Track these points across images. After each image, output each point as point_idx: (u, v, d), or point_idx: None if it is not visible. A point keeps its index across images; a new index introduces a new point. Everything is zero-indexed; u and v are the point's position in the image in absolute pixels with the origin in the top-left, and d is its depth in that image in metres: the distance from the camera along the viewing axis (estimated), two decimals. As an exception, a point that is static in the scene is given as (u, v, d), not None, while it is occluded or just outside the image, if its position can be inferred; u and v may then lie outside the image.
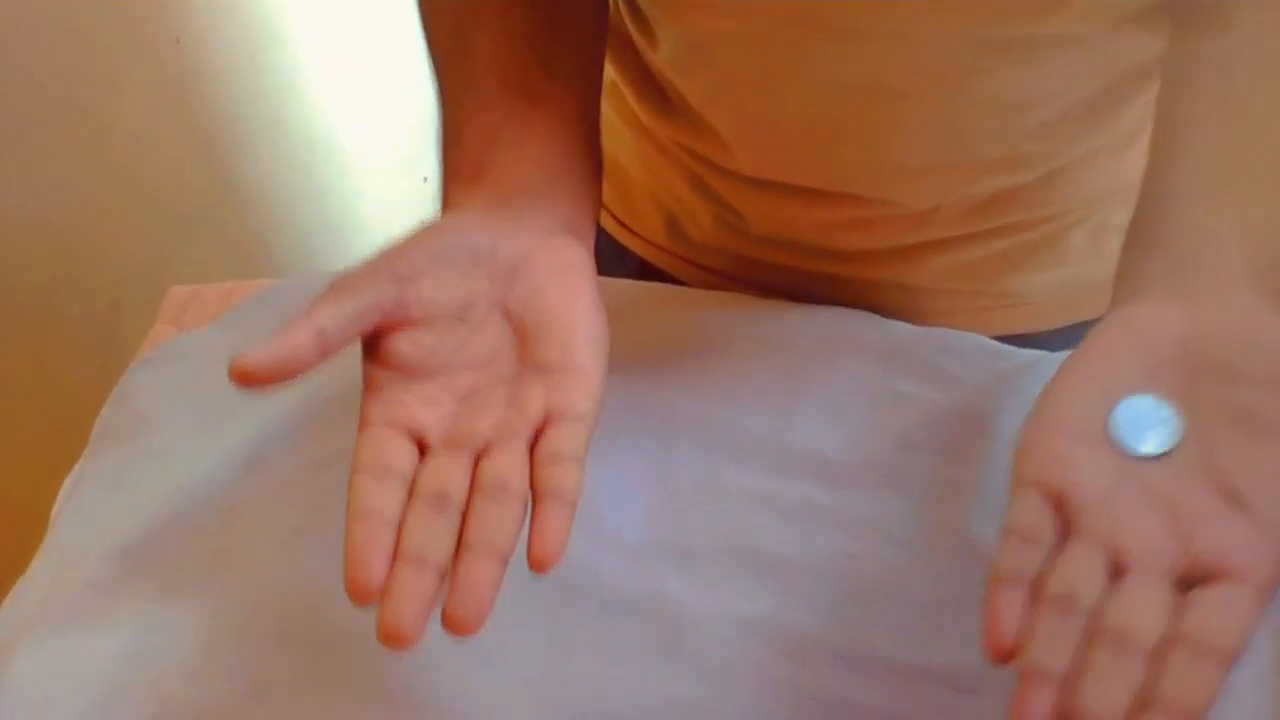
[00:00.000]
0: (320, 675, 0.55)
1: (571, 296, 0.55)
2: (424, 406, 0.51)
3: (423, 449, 0.50)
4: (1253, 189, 0.53)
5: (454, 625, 0.44)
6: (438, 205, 0.61)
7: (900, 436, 0.66)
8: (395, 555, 0.45)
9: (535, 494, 0.48)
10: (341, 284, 0.52)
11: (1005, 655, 0.42)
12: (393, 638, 0.43)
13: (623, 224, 0.90)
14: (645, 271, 0.88)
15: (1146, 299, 0.50)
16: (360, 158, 1.54)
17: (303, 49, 1.40)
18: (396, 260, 0.53)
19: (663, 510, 0.63)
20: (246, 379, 0.47)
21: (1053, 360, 0.70)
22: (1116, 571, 0.43)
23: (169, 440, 0.69)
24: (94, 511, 0.66)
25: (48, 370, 1.23)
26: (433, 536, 0.46)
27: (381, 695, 0.54)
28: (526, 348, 0.53)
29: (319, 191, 1.51)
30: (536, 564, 0.45)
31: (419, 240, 0.55)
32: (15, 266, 1.16)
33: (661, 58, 0.74)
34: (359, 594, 0.44)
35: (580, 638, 0.57)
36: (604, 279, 0.73)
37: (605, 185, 0.69)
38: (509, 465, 0.48)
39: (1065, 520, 0.45)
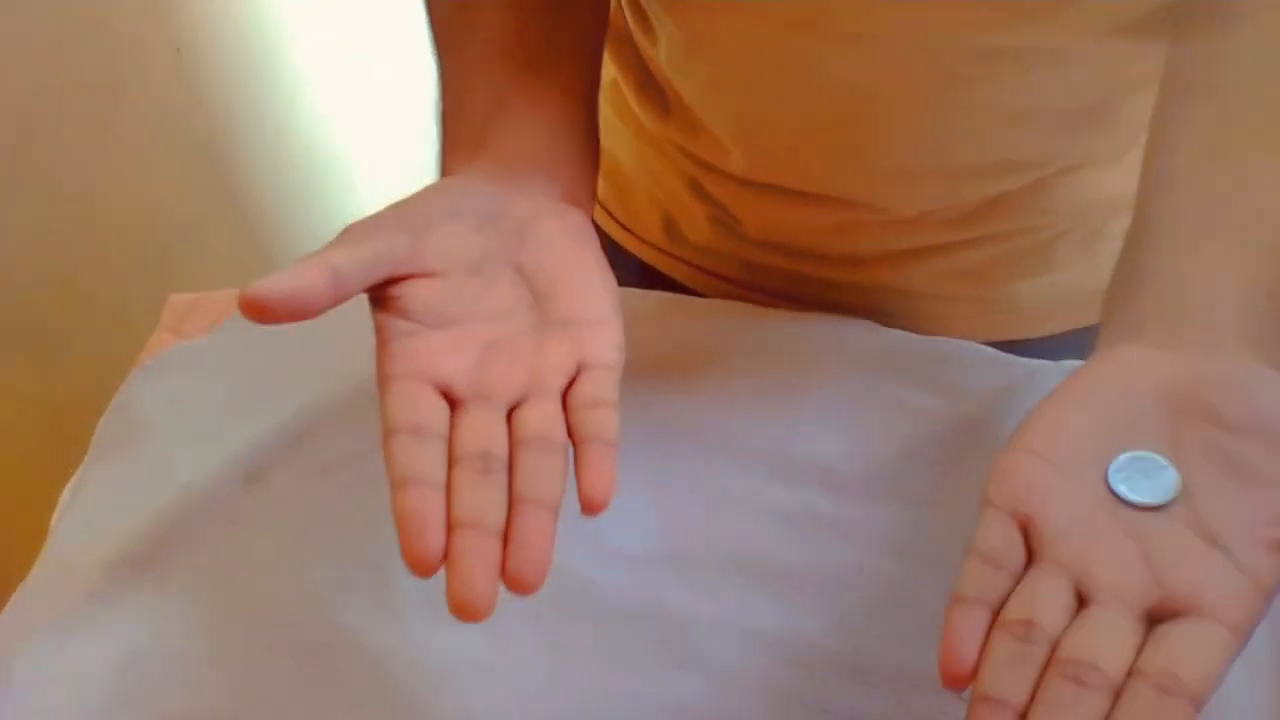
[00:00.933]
0: (320, 684, 0.55)
1: (583, 256, 0.54)
2: (447, 355, 0.48)
3: (451, 401, 0.48)
4: (1242, 231, 0.52)
5: (518, 584, 0.42)
6: (437, 174, 0.60)
7: (902, 445, 0.66)
8: (450, 523, 0.43)
9: (576, 440, 0.47)
10: (355, 230, 0.50)
11: (960, 680, 0.41)
12: (468, 610, 0.41)
13: (622, 225, 0.90)
14: (644, 272, 0.88)
15: (1135, 342, 0.49)
16: (361, 166, 1.55)
17: (304, 58, 1.41)
18: (409, 212, 0.52)
19: (664, 521, 0.63)
20: (257, 311, 0.45)
21: (1052, 370, 0.70)
22: (1082, 602, 0.42)
23: (168, 449, 0.69)
24: (94, 520, 0.66)
25: (48, 377, 1.23)
26: (486, 500, 0.44)
27: (381, 704, 0.54)
28: (544, 303, 0.52)
29: (320, 200, 1.51)
30: (590, 505, 0.44)
31: (429, 196, 0.54)
32: (16, 273, 1.16)
33: (660, 55, 0.74)
34: (420, 565, 0.42)
35: (581, 648, 0.57)
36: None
37: (604, 186, 0.68)
38: (548, 416, 0.47)
39: (1033, 547, 0.44)
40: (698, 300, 0.77)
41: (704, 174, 0.80)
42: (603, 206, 0.90)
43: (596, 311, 0.52)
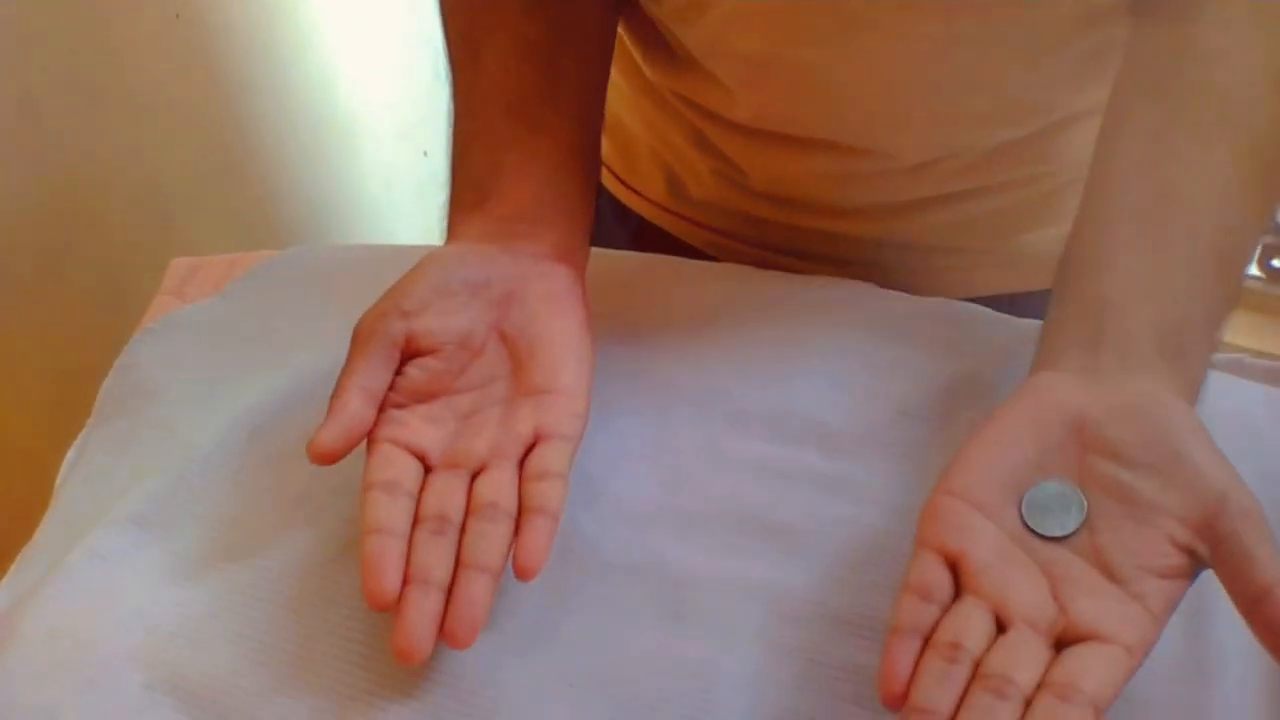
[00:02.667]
0: (323, 638, 0.55)
1: (562, 320, 0.61)
2: (427, 426, 0.58)
3: (425, 466, 0.56)
4: (1170, 250, 0.56)
5: (452, 639, 0.50)
6: (443, 225, 0.67)
7: (900, 404, 0.66)
8: (406, 576, 0.51)
9: (522, 508, 0.54)
10: (362, 333, 0.59)
11: (898, 700, 0.46)
12: (406, 655, 0.50)
13: (624, 183, 0.90)
14: (646, 230, 0.89)
15: (1057, 368, 0.55)
16: (361, 131, 1.54)
17: (302, 23, 1.40)
18: (401, 298, 0.60)
19: (663, 478, 0.63)
20: (325, 458, 0.55)
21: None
22: (1001, 628, 0.48)
23: (172, 410, 0.69)
24: (99, 480, 0.66)
25: (50, 341, 1.23)
26: (436, 558, 0.52)
27: (382, 657, 0.54)
28: (519, 370, 0.60)
29: (319, 164, 1.51)
30: (521, 573, 0.51)
31: (422, 274, 0.61)
32: (17, 239, 1.16)
33: (664, 10, 0.74)
34: (375, 603, 0.50)
35: (579, 602, 0.57)
36: (606, 251, 0.74)
37: (607, 144, 0.71)
38: (500, 484, 0.55)
39: (960, 581, 0.50)
40: (697, 263, 0.78)
41: (708, 124, 0.80)
42: (606, 166, 0.90)
43: (565, 381, 0.59)
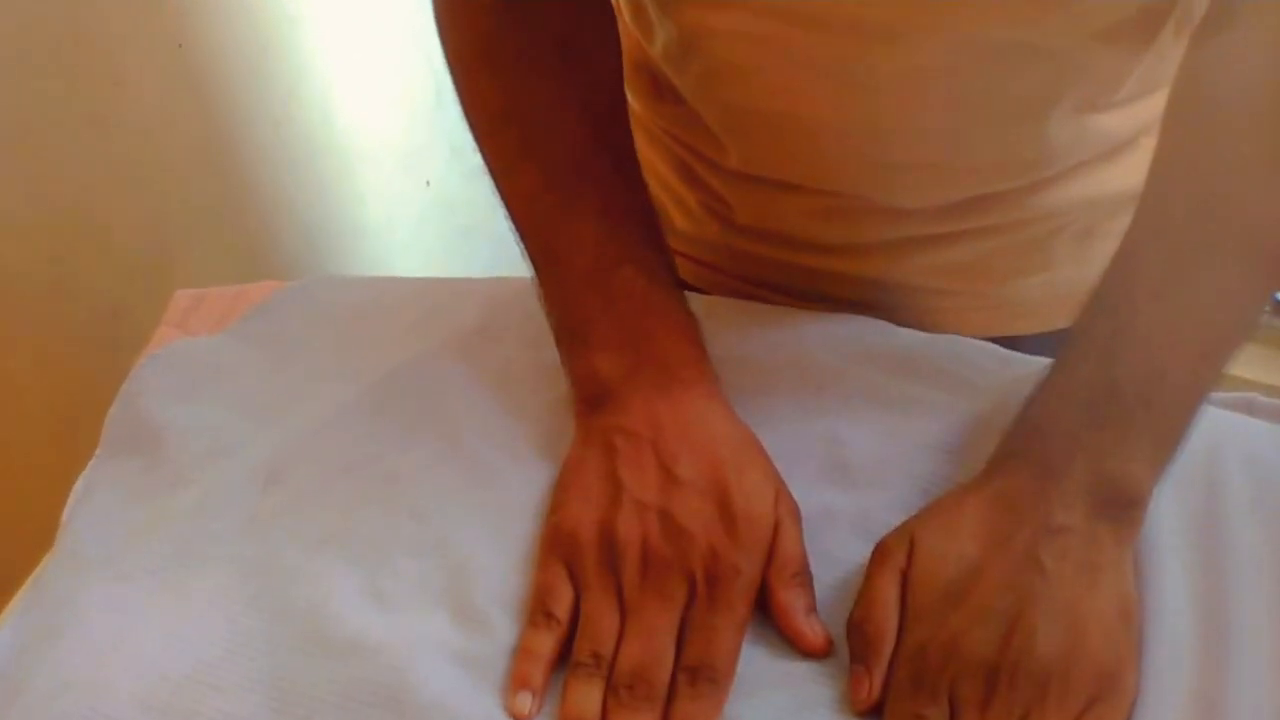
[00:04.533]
0: (341, 683, 0.55)
1: None
2: None
3: None
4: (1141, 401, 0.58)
5: None
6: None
7: (917, 438, 0.66)
8: None
9: None
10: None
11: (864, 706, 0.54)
12: None
13: None
14: None
15: (997, 475, 0.59)
16: (362, 161, 1.54)
17: (304, 54, 1.40)
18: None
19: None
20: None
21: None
22: None
23: (183, 449, 0.68)
24: (109, 522, 0.65)
25: (51, 371, 1.22)
26: None
27: (399, 704, 0.54)
28: None
29: (321, 194, 1.51)
30: None
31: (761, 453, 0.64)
32: (18, 267, 1.15)
33: (656, 50, 0.74)
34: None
35: None
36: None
37: None
38: None
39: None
40: (709, 298, 0.77)
41: (697, 162, 0.80)
42: None
43: None
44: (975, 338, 0.74)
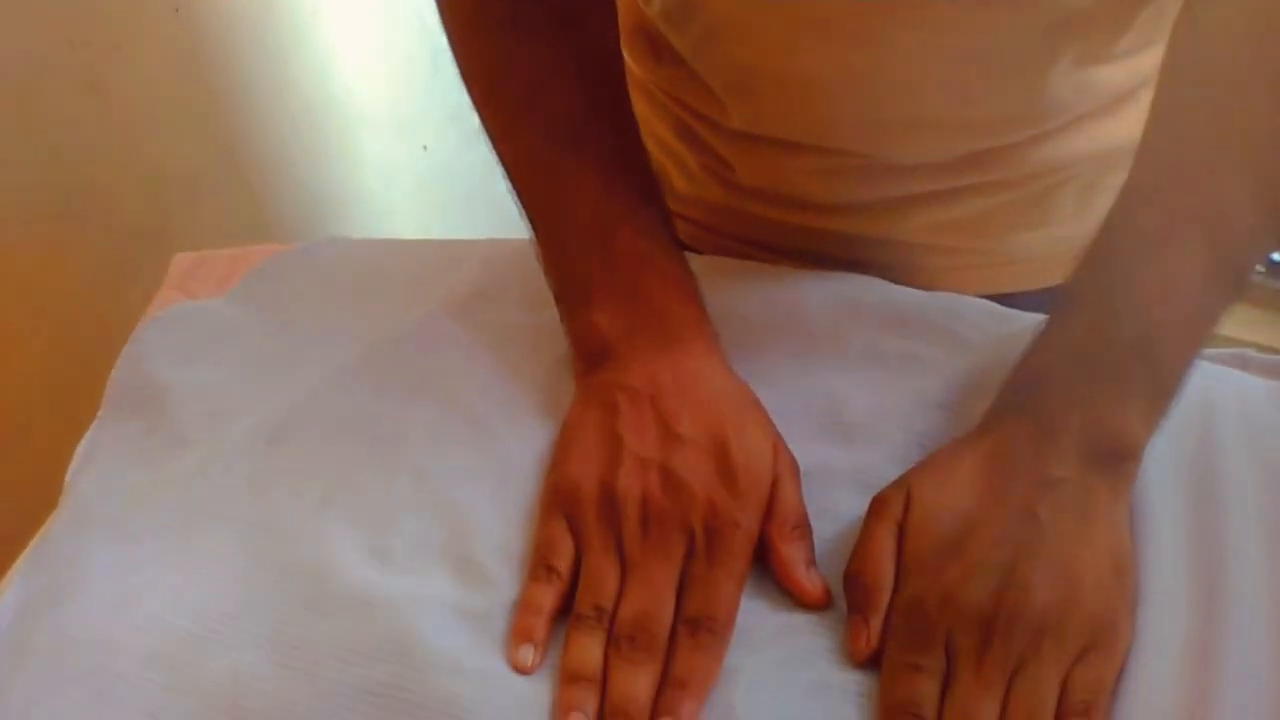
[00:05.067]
0: (345, 638, 0.55)
1: None
2: None
3: None
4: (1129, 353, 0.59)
5: None
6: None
7: (916, 394, 0.67)
8: None
9: None
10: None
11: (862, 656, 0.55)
12: None
13: None
14: None
15: (993, 430, 0.59)
16: (360, 125, 1.54)
17: (302, 17, 1.40)
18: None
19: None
20: None
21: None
22: None
23: (185, 409, 0.69)
24: (113, 483, 0.66)
25: (51, 332, 1.23)
26: None
27: (403, 656, 0.54)
28: None
29: (319, 158, 1.50)
30: None
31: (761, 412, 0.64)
32: (16, 231, 1.15)
33: (654, 10, 0.74)
34: None
35: None
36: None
37: None
38: None
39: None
40: (707, 258, 0.78)
41: (698, 123, 0.80)
42: None
43: None
44: (975, 296, 0.74)
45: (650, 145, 0.85)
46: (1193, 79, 0.63)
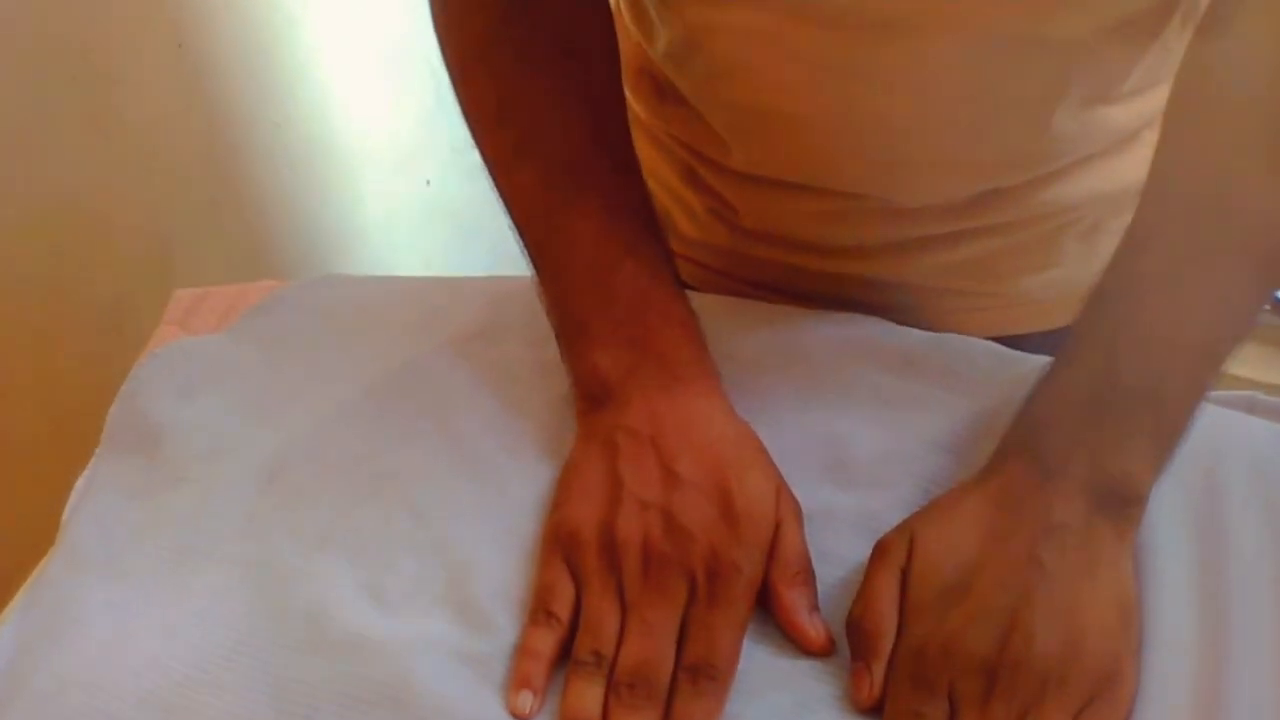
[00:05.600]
0: (341, 682, 0.55)
1: None
2: None
3: None
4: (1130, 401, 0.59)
5: None
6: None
7: (921, 437, 0.66)
8: None
9: None
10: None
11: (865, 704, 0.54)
12: None
13: None
14: None
15: (996, 474, 0.59)
16: (362, 161, 1.54)
17: (304, 53, 1.40)
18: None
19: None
20: None
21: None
22: None
23: (182, 448, 0.68)
24: (110, 521, 0.65)
25: (48, 375, 1.23)
26: None
27: (399, 702, 0.54)
28: None
29: (321, 194, 1.51)
30: None
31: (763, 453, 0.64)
32: (19, 266, 1.16)
33: (658, 51, 0.74)
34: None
35: None
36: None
37: None
38: None
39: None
40: (710, 297, 0.77)
41: (701, 165, 0.80)
42: None
43: None
44: (980, 338, 0.74)
45: (655, 189, 0.85)
46: (1198, 120, 0.63)
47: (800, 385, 0.70)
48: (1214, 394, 0.61)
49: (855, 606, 0.57)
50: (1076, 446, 0.57)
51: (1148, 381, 0.58)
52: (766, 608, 0.58)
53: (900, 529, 0.59)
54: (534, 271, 0.69)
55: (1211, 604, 0.57)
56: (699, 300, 0.69)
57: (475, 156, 0.70)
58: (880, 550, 0.58)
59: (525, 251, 0.69)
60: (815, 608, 0.58)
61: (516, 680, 0.55)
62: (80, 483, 0.69)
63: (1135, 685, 0.54)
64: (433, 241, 1.72)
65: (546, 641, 0.56)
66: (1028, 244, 0.79)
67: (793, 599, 0.57)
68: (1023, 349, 0.73)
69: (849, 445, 0.66)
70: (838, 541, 0.61)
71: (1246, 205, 0.60)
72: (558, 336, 0.68)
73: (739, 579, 0.57)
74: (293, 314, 0.79)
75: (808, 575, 0.59)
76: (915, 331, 0.74)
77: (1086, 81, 0.68)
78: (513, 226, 0.69)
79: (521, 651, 0.56)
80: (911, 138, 0.70)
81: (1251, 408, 0.70)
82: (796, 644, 0.57)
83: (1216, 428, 0.65)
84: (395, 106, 1.57)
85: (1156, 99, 0.71)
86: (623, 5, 0.76)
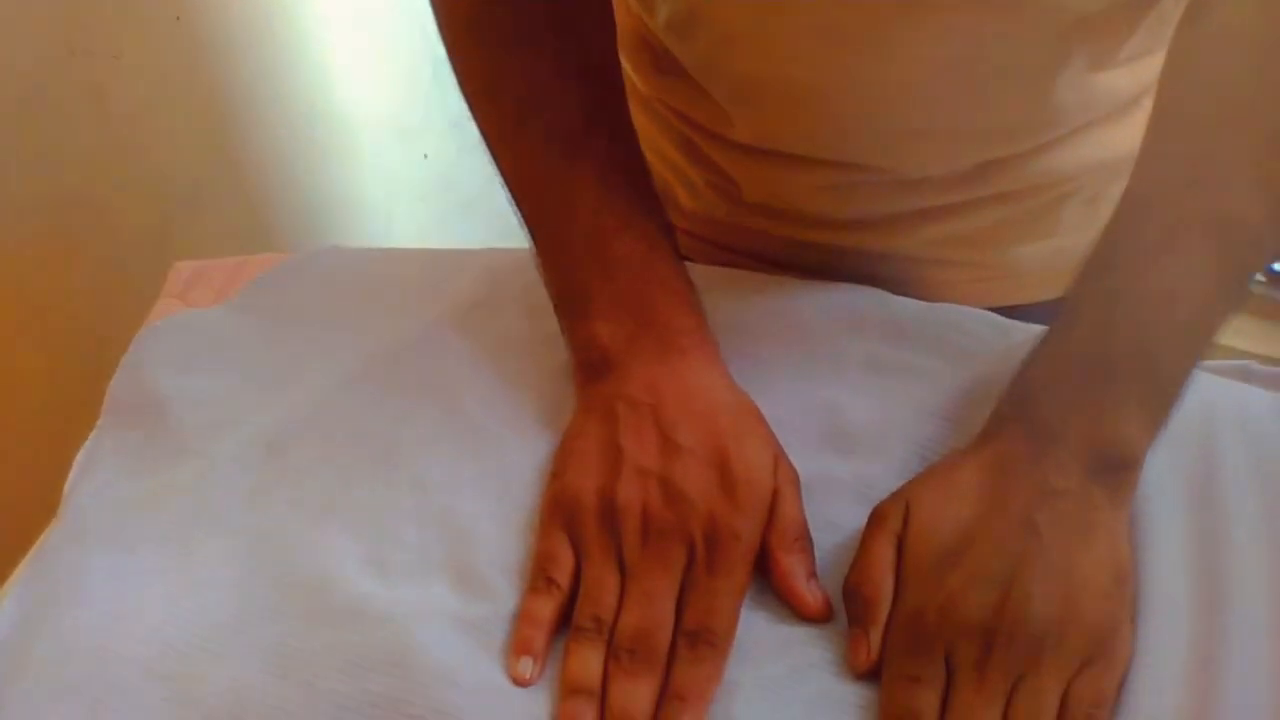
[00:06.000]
0: (345, 650, 0.55)
1: None
2: None
3: None
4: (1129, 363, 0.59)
5: None
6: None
7: (917, 405, 0.67)
8: None
9: None
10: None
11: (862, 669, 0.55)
12: None
13: None
14: None
15: (993, 440, 0.59)
16: (361, 134, 1.54)
17: (303, 25, 1.40)
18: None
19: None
20: None
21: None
22: None
23: (184, 420, 0.69)
24: (112, 493, 0.65)
25: (50, 343, 1.23)
26: None
27: (404, 669, 0.54)
28: None
29: (320, 166, 1.51)
30: None
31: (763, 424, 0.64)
32: (17, 239, 1.16)
33: (659, 23, 0.74)
34: None
35: None
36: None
37: None
38: None
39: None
40: (707, 268, 0.77)
41: (703, 139, 0.80)
42: None
43: None
44: (984, 308, 0.74)
45: (654, 161, 0.85)
46: (1194, 85, 0.63)
47: (798, 355, 0.70)
48: (1208, 363, 0.61)
49: (852, 573, 0.58)
50: (1071, 412, 0.58)
51: (1143, 346, 0.58)
52: (765, 575, 0.59)
53: (896, 495, 0.59)
54: (532, 243, 0.69)
55: (1206, 568, 0.58)
56: (697, 271, 0.69)
57: (473, 130, 0.70)
58: (877, 517, 0.59)
59: (523, 223, 0.69)
60: (813, 574, 0.58)
61: (517, 646, 0.55)
62: (81, 455, 0.69)
63: (1131, 649, 0.54)
64: (431, 214, 1.72)
65: (547, 608, 0.57)
66: (1028, 214, 0.79)
67: (791, 565, 0.58)
68: (1022, 320, 0.73)
69: (846, 413, 0.66)
70: (835, 509, 0.61)
71: (1249, 168, 0.60)
72: (556, 307, 0.68)
73: (737, 546, 0.57)
74: (293, 286, 0.80)
75: (805, 542, 0.59)
76: (912, 301, 0.74)
77: (1089, 46, 0.68)
78: (510, 199, 0.69)
79: (522, 618, 0.57)
80: (915, 106, 0.70)
81: (1246, 376, 0.71)
82: (794, 610, 0.58)
83: (1211, 394, 0.65)
84: (393, 80, 1.57)
85: (1154, 65, 0.70)
86: None
